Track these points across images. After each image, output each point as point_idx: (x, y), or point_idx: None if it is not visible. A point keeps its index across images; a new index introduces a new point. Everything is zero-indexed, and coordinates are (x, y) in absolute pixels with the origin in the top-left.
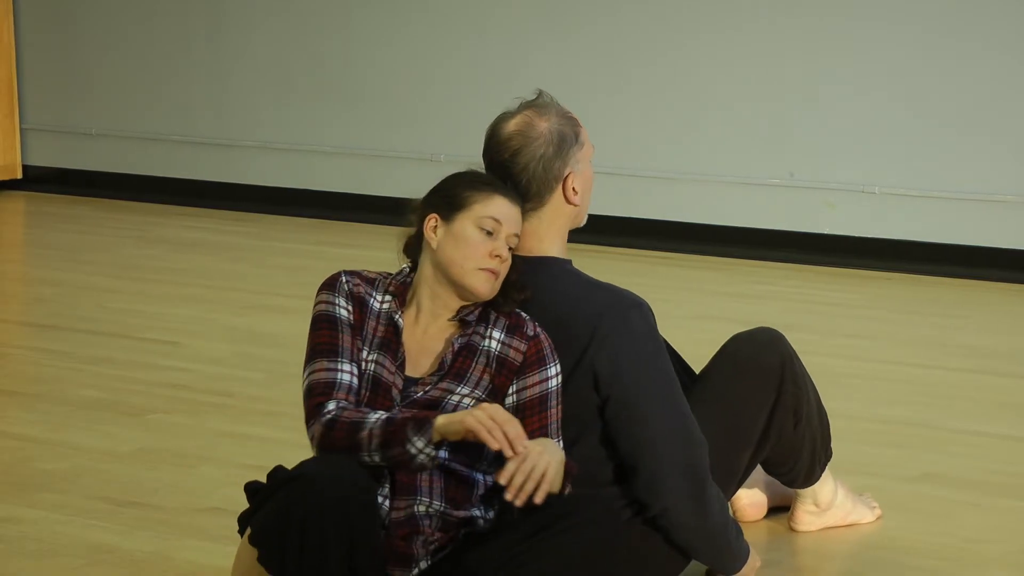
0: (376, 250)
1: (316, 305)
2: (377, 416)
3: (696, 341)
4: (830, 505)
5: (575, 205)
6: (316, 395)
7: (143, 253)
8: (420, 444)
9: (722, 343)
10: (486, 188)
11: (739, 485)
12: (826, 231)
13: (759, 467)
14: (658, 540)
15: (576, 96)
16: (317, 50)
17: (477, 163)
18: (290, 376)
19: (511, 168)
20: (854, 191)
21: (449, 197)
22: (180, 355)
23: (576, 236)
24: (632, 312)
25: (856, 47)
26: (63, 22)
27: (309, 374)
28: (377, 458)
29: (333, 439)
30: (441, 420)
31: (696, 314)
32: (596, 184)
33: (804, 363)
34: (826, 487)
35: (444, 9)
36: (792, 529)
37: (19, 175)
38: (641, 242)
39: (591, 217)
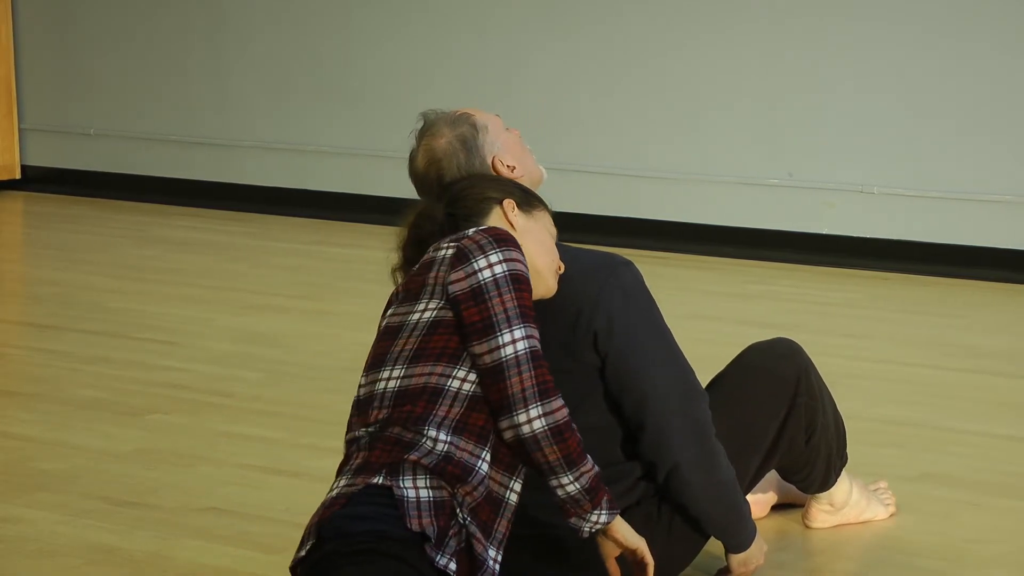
0: (375, 250)
1: (510, 261)
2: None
3: (695, 341)
4: (845, 504)
5: (520, 176)
6: (548, 370)
7: (142, 253)
8: (602, 519)
9: (720, 343)
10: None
11: (746, 492)
12: (825, 231)
13: None
14: (673, 514)
15: (575, 96)
16: (317, 50)
17: None
18: (289, 376)
19: (448, 193)
20: (853, 191)
21: (523, 191)
22: (179, 355)
23: (576, 236)
24: (621, 269)
25: (856, 47)
26: (62, 22)
27: (528, 337)
28: (571, 489)
29: (570, 441)
30: (620, 522)
31: (695, 314)
32: (595, 184)
33: None
34: (841, 487)
35: (444, 9)
36: (807, 526)
37: (18, 175)
38: (640, 242)
39: (589, 217)
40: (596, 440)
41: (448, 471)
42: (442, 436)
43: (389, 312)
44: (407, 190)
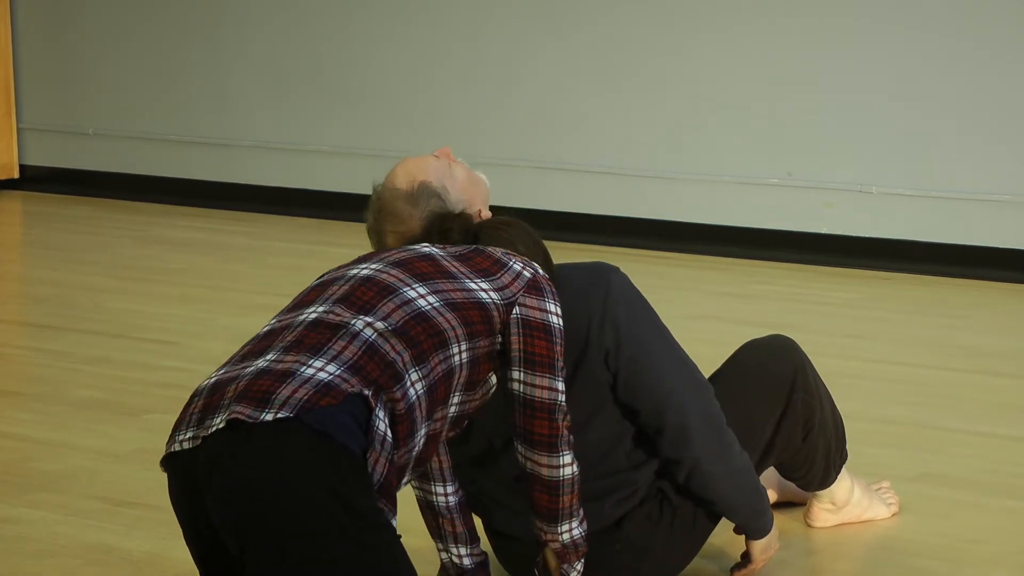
0: None
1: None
2: None
3: (694, 341)
4: (846, 503)
5: (485, 214)
6: None
7: (141, 253)
8: (579, 568)
9: (720, 343)
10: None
11: None
12: (824, 231)
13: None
14: (675, 514)
15: (574, 96)
16: (316, 50)
17: (476, 160)
18: None
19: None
20: (852, 191)
21: (545, 262)
22: (178, 355)
23: (575, 235)
24: (613, 279)
25: (855, 47)
26: (61, 21)
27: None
28: (576, 533)
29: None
30: None
31: (694, 314)
32: (594, 184)
33: None
34: (842, 486)
35: (443, 9)
36: (808, 525)
37: (16, 175)
38: (639, 242)
39: (589, 217)
40: (603, 451)
41: (403, 426)
42: (419, 386)
43: (441, 254)
44: None
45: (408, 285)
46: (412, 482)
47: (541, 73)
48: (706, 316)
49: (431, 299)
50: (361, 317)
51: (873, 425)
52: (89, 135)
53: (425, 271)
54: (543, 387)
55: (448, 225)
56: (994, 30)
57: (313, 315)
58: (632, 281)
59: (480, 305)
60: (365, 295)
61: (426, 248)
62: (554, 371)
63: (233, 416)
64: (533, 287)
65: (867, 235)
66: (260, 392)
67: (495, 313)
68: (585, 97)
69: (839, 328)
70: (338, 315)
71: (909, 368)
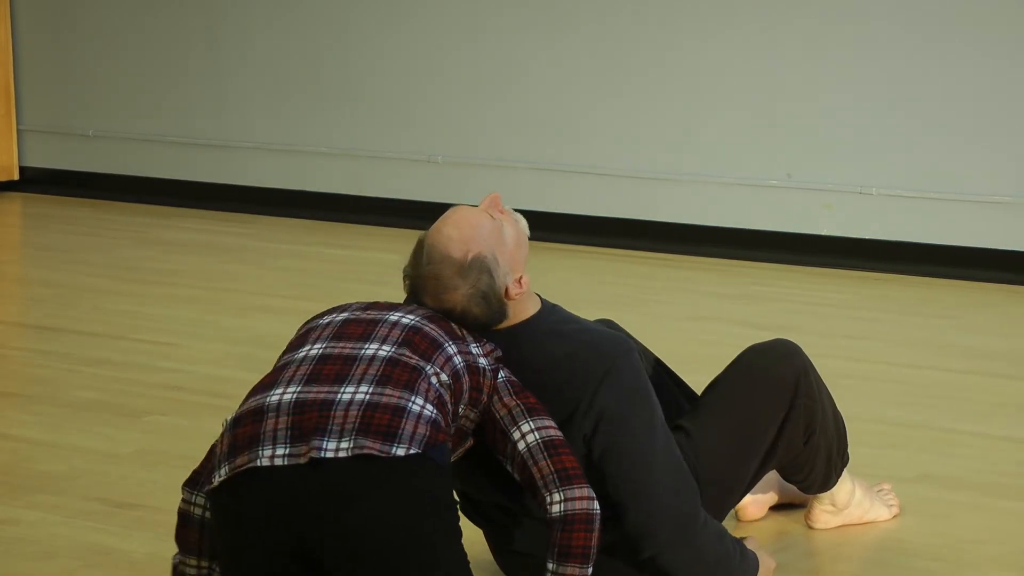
0: (374, 251)
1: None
2: None
3: (693, 342)
4: (847, 504)
5: (526, 279)
6: None
7: (140, 254)
8: None
9: (720, 344)
10: None
11: (744, 494)
12: (823, 232)
13: None
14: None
15: (574, 97)
16: (315, 51)
17: (475, 162)
18: None
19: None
20: (851, 192)
21: None
22: (178, 356)
23: (575, 236)
24: (619, 363)
25: (854, 48)
26: (61, 23)
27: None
28: None
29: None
30: None
31: (693, 315)
32: (595, 185)
33: None
34: (843, 488)
35: (442, 10)
36: (809, 527)
37: (16, 176)
38: (638, 243)
39: (590, 219)
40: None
41: None
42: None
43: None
44: (405, 191)
45: (447, 341)
46: (184, 495)
47: (540, 74)
48: (705, 317)
49: (459, 358)
50: (429, 365)
51: (872, 426)
52: (89, 137)
53: (449, 330)
54: (552, 427)
55: (480, 321)
56: (993, 32)
57: (383, 352)
58: (639, 363)
59: (478, 370)
60: (421, 344)
61: (438, 307)
62: (549, 417)
63: (365, 451)
64: (502, 357)
65: (866, 236)
66: (382, 426)
67: (484, 380)
68: (584, 98)
69: (838, 329)
70: (410, 358)
71: (908, 369)
